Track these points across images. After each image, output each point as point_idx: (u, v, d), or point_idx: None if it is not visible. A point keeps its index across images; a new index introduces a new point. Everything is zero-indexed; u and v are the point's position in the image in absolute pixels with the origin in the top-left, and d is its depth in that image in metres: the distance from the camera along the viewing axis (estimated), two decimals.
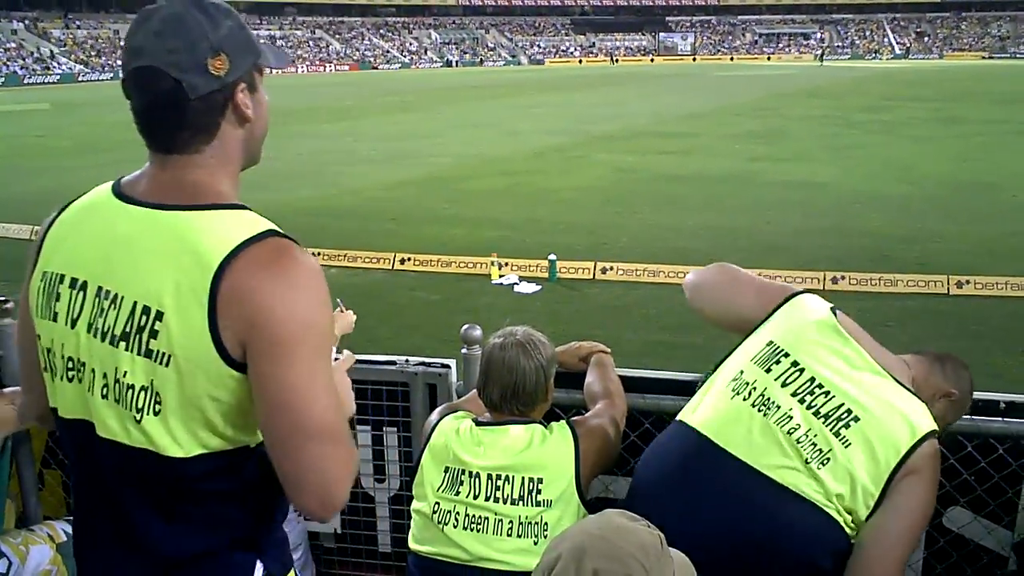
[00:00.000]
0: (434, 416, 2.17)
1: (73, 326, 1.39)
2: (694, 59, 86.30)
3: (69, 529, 2.34)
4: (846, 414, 1.82)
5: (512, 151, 20.67)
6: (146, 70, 1.34)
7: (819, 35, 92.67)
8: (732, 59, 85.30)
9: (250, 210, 1.39)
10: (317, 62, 78.49)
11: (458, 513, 1.97)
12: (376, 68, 79.57)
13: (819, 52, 79.14)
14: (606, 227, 12.60)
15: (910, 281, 9.43)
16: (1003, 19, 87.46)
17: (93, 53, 68.97)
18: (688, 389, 2.26)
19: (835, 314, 2.00)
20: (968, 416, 2.14)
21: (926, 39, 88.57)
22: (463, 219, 13.35)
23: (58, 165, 18.76)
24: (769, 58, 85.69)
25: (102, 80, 60.19)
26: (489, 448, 2.00)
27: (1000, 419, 2.18)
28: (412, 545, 2.05)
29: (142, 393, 1.34)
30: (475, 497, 1.96)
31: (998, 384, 2.85)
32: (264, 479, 1.41)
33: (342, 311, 2.51)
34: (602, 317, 8.93)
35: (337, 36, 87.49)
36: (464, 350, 2.48)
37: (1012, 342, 7.84)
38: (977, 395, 2.15)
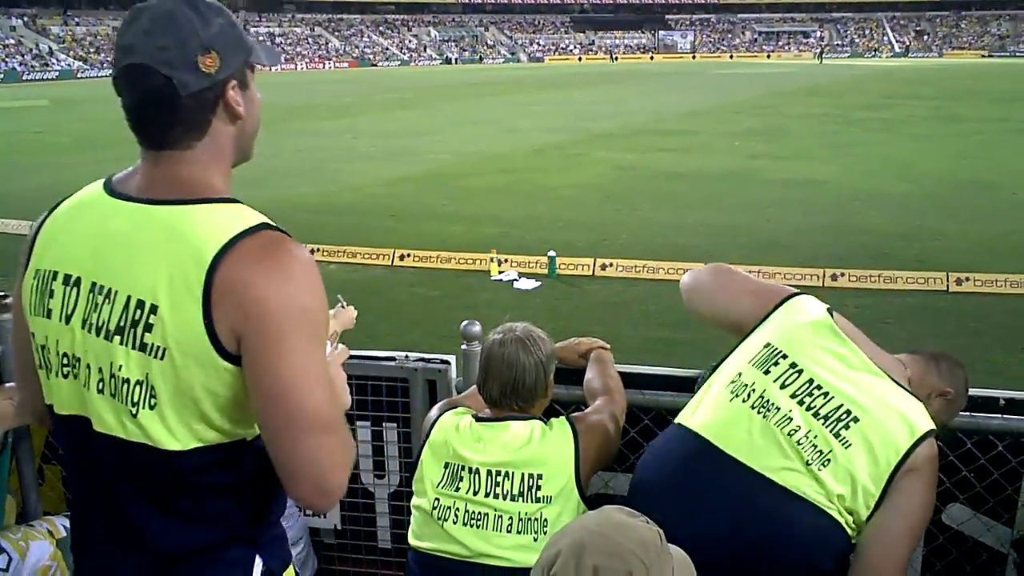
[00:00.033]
0: (434, 412, 2.17)
1: (67, 322, 1.39)
2: (694, 57, 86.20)
3: (69, 525, 2.34)
4: (845, 415, 1.82)
5: (512, 148, 20.66)
6: (137, 67, 1.34)
7: (819, 33, 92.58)
8: (732, 57, 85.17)
9: (242, 204, 1.40)
10: (316, 59, 78.37)
11: (458, 509, 1.97)
12: (375, 65, 79.40)
13: (819, 50, 78.98)
14: (606, 224, 12.60)
15: (909, 278, 9.44)
16: (1003, 18, 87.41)
17: (92, 50, 68.86)
18: (687, 385, 2.26)
19: (831, 315, 2.01)
20: (968, 413, 2.14)
21: (926, 37, 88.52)
22: (463, 216, 13.36)
23: (57, 162, 18.73)
24: (769, 56, 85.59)
25: (101, 77, 59.99)
26: (489, 444, 2.00)
27: (999, 416, 2.19)
28: (412, 541, 2.05)
29: (137, 387, 1.34)
30: (475, 493, 1.96)
31: (997, 381, 2.85)
32: (261, 473, 1.41)
33: (343, 307, 2.51)
34: (602, 313, 8.94)
35: (336, 33, 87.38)
36: (464, 346, 2.49)
37: (1011, 339, 7.85)
38: (977, 392, 2.16)
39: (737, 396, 1.92)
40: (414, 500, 2.07)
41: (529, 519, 1.93)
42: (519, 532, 1.93)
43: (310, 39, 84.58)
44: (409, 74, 62.23)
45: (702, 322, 2.29)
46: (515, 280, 9.99)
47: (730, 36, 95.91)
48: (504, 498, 1.95)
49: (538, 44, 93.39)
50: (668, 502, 1.86)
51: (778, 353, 1.94)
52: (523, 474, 1.96)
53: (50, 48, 66.98)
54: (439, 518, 1.98)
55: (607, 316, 8.82)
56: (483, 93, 39.10)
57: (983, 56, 76.71)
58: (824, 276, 9.53)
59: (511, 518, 1.94)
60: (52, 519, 2.44)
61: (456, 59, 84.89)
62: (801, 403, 1.85)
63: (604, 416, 2.10)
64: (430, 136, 23.19)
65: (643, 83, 45.16)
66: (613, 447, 2.10)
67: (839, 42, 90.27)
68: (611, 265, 10.26)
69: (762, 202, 13.98)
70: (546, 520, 1.93)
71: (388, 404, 2.67)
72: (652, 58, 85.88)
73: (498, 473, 1.96)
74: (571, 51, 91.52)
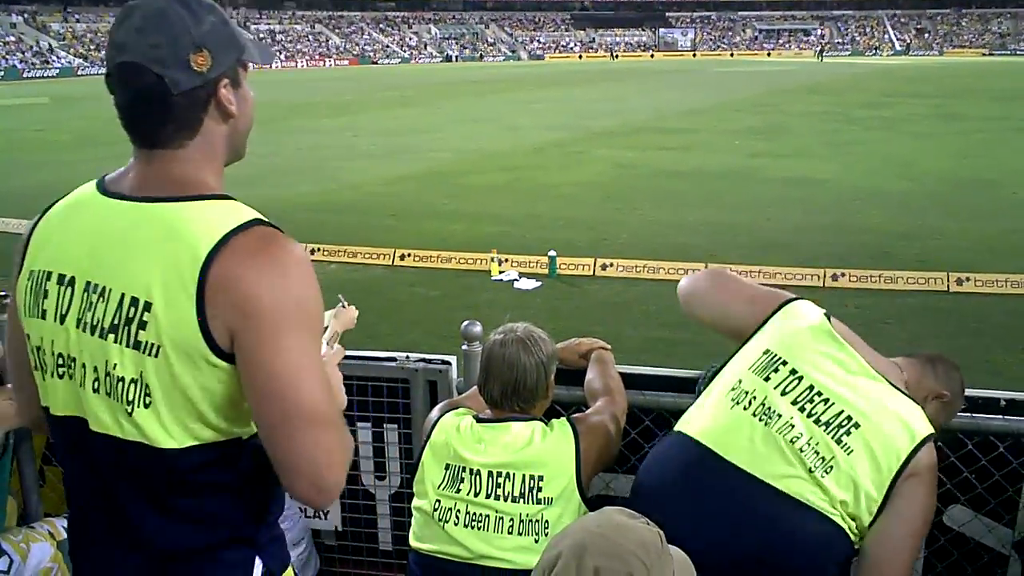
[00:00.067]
0: (435, 413, 2.17)
1: (62, 322, 1.39)
2: (694, 55, 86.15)
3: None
4: (846, 421, 1.82)
5: (512, 146, 20.65)
6: (129, 66, 1.34)
7: (819, 31, 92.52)
8: (732, 55, 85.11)
9: (236, 200, 1.39)
10: (317, 56, 78.35)
11: (459, 511, 1.97)
12: (375, 63, 79.35)
13: (819, 48, 78.80)
14: (606, 223, 12.60)
15: (910, 278, 9.43)
16: (1003, 16, 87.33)
17: (92, 47, 68.78)
18: (688, 386, 2.26)
19: (829, 319, 2.01)
20: (968, 414, 2.14)
21: (926, 35, 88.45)
22: (463, 214, 13.35)
23: (57, 159, 18.74)
24: (769, 54, 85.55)
25: (101, 74, 58.65)
26: (490, 445, 2.00)
27: (1000, 417, 2.18)
28: (413, 543, 2.05)
29: (132, 385, 1.34)
30: (476, 495, 1.96)
31: (998, 382, 2.85)
32: (259, 472, 1.41)
33: (344, 307, 2.51)
34: (602, 313, 8.94)
35: (337, 31, 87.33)
36: (464, 347, 2.49)
37: (1012, 339, 7.84)
38: (977, 393, 2.16)
39: (738, 403, 1.92)
40: (415, 501, 2.06)
41: (530, 520, 1.93)
42: (520, 534, 1.93)
43: (310, 36, 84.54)
44: (409, 72, 62.19)
45: (700, 326, 2.29)
46: (515, 280, 9.98)
47: (731, 34, 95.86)
48: (505, 499, 1.95)
49: (538, 42, 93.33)
50: (670, 509, 1.85)
51: (778, 359, 1.93)
52: (524, 475, 1.95)
53: (50, 45, 66.93)
54: (440, 520, 1.98)
55: (607, 316, 8.82)
56: (483, 91, 39.07)
57: (984, 54, 76.67)
58: (825, 276, 9.53)
59: (512, 520, 1.93)
60: (53, 521, 2.44)
61: (456, 57, 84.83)
62: (802, 410, 1.85)
63: (605, 417, 2.10)
64: (430, 134, 23.18)
65: (643, 81, 45.13)
66: (614, 448, 2.10)
67: (840, 40, 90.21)
68: (611, 265, 10.26)
69: (762, 201, 13.98)
70: (547, 521, 1.93)
71: (389, 405, 2.66)
72: (652, 56, 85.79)
73: (499, 474, 1.96)
74: (572, 49, 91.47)
